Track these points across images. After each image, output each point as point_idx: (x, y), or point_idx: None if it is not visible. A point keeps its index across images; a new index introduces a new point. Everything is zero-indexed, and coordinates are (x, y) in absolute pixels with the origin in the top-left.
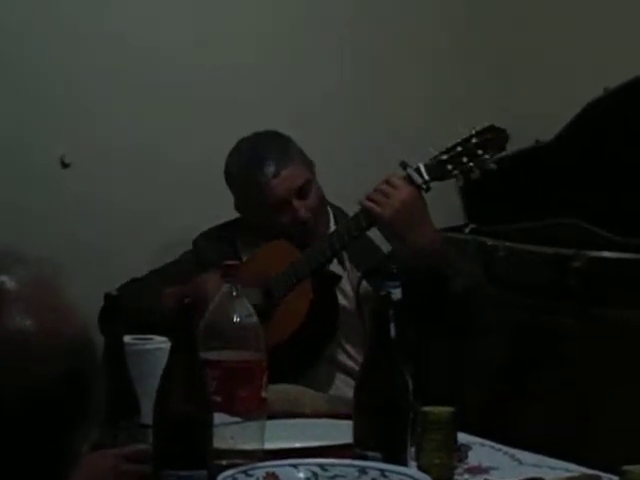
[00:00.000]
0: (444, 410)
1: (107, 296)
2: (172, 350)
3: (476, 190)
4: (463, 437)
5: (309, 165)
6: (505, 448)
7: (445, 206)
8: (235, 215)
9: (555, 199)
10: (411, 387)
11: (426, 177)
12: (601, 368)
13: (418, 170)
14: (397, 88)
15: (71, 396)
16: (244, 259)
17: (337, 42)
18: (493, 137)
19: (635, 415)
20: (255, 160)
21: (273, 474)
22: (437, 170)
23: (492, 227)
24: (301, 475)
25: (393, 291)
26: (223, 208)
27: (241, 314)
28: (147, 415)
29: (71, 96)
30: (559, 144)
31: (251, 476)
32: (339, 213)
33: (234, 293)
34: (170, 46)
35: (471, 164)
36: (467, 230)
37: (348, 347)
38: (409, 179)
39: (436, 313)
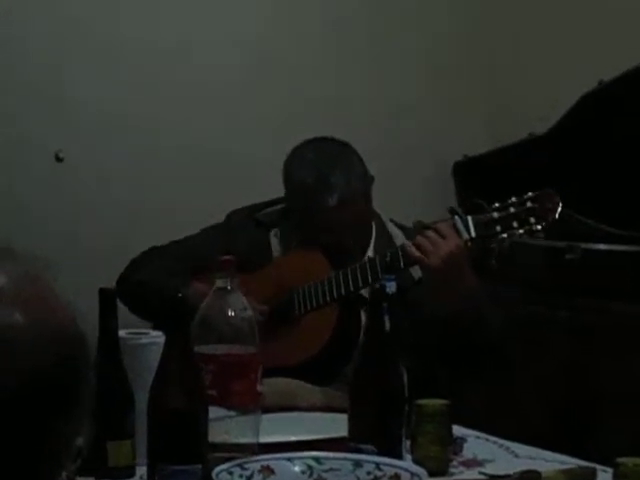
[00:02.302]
0: (439, 402)
1: (102, 291)
2: (167, 344)
3: (470, 183)
4: (458, 430)
5: (367, 189)
6: (500, 441)
7: (439, 198)
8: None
9: None
10: (406, 380)
11: (473, 234)
12: (594, 360)
13: (466, 223)
14: (392, 85)
15: (60, 388)
16: (274, 255)
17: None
18: (548, 206)
19: (629, 407)
20: (320, 184)
21: (268, 467)
22: (485, 229)
23: None
24: (296, 468)
25: (388, 284)
26: (219, 204)
27: (236, 308)
28: (142, 409)
29: (66, 92)
30: (554, 137)
31: (246, 469)
32: (379, 226)
33: (228, 287)
34: (167, 41)
35: (521, 231)
36: None
37: None
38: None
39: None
